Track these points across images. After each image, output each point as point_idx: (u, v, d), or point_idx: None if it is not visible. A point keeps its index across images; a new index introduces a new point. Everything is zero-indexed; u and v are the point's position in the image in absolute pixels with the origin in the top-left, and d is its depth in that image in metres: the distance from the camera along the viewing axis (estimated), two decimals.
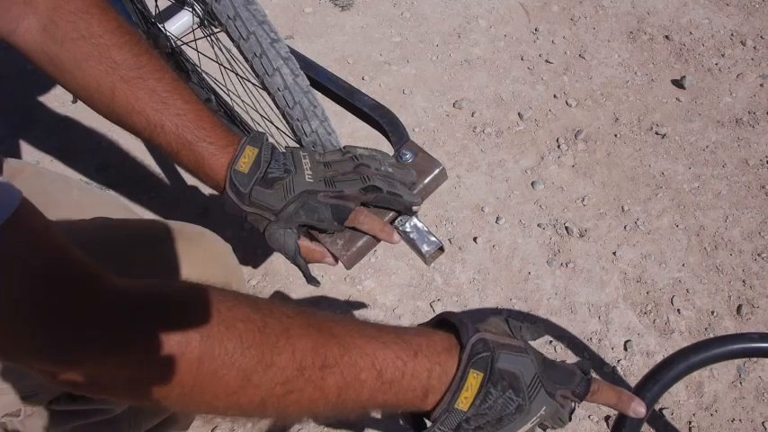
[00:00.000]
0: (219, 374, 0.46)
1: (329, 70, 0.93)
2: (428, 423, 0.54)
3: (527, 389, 0.54)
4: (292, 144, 0.89)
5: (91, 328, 0.43)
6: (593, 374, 0.67)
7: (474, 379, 0.52)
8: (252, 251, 1.53)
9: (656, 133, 1.73)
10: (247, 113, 1.17)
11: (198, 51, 1.14)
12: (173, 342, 0.44)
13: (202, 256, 0.81)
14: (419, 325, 0.58)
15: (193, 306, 0.46)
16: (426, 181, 0.74)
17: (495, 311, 0.55)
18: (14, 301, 0.40)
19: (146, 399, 0.46)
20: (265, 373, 0.47)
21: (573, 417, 0.58)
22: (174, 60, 1.18)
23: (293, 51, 0.88)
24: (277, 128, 1.01)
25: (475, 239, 1.55)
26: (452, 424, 0.53)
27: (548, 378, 0.55)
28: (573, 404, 0.58)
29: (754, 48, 1.91)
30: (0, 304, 0.40)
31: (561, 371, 0.57)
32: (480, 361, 0.53)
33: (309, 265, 0.72)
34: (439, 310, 1.44)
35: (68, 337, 0.42)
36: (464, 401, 0.53)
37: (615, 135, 1.73)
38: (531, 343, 0.58)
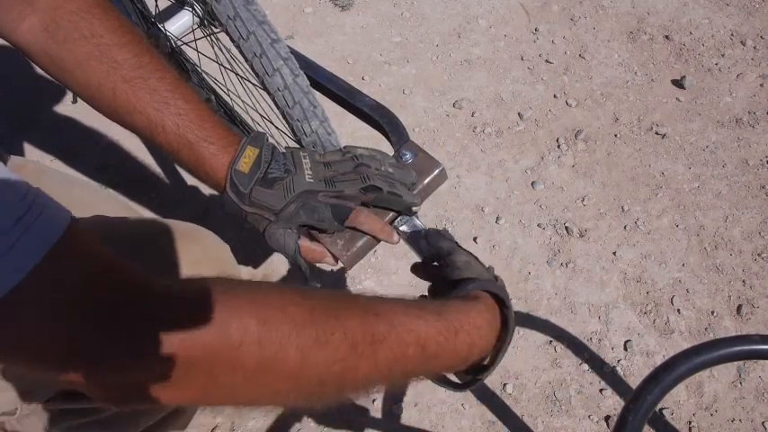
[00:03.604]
0: (279, 357, 0.47)
1: (329, 70, 0.93)
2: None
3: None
4: (292, 144, 0.89)
5: (147, 333, 0.44)
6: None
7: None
8: (252, 251, 1.53)
9: (656, 133, 1.73)
10: (247, 113, 1.17)
11: (198, 51, 1.14)
12: (232, 329, 0.45)
13: (199, 254, 0.81)
14: (459, 297, 0.61)
15: (247, 295, 0.48)
16: (426, 181, 0.74)
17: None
18: (68, 303, 0.41)
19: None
20: (321, 352, 0.48)
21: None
22: (175, 60, 1.18)
23: (293, 51, 0.87)
24: (277, 128, 1.01)
25: (475, 239, 1.55)
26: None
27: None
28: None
29: (754, 48, 1.91)
30: (55, 308, 0.40)
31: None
32: (511, 321, 0.62)
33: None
34: None
35: (134, 339, 0.43)
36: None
37: (615, 135, 1.73)
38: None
